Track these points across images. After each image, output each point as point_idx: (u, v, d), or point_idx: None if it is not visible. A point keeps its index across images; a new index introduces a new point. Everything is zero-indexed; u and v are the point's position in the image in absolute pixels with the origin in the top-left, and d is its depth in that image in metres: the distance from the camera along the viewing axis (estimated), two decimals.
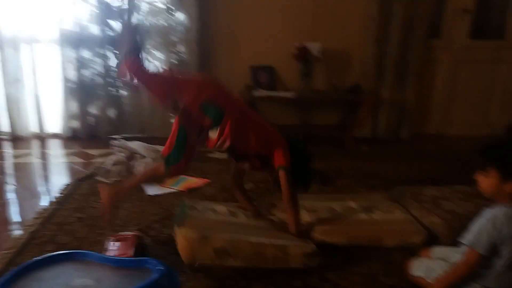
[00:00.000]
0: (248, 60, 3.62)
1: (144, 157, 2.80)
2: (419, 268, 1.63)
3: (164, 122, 3.69)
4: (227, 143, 1.79)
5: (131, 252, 1.63)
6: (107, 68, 3.56)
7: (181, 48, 3.51)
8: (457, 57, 3.80)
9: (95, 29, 3.47)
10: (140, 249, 1.72)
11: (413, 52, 3.54)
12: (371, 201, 2.23)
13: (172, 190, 2.55)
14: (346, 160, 3.20)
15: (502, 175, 1.40)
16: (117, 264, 1.31)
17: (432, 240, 1.92)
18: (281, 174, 1.79)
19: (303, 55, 3.33)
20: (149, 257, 1.36)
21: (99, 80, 3.58)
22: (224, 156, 3.13)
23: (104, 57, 3.53)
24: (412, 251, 1.82)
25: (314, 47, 3.34)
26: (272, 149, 1.84)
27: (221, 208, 2.03)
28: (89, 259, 1.34)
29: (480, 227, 1.42)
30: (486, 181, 1.45)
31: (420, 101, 3.80)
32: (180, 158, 1.82)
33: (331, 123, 3.79)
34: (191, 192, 2.54)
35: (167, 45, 3.50)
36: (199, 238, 1.60)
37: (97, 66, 3.55)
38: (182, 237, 1.60)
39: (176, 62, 3.54)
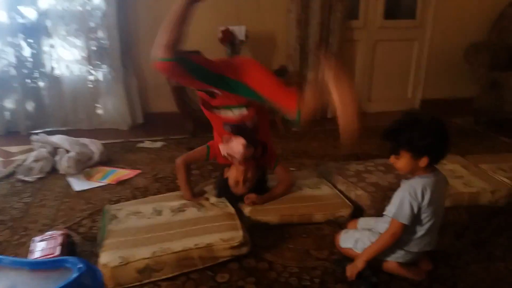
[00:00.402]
0: None
1: (68, 151, 2.66)
2: (347, 240, 1.72)
3: (88, 114, 3.52)
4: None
5: (57, 251, 1.57)
6: (21, 58, 3.29)
7: (101, 34, 3.33)
8: (373, 37, 3.99)
9: (4, 16, 3.18)
10: (68, 248, 1.66)
11: (333, 34, 3.65)
12: (300, 179, 2.31)
13: (100, 184, 2.46)
14: (276, 141, 3.27)
15: (413, 154, 1.50)
16: (33, 266, 1.22)
17: (358, 212, 2.05)
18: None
19: (228, 38, 3.31)
20: (70, 256, 1.30)
21: (13, 71, 3.31)
22: (155, 145, 3.10)
23: (17, 47, 3.26)
24: (341, 224, 1.94)
25: (240, 30, 3.33)
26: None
27: (145, 207, 1.99)
28: (1, 265, 1.23)
29: (402, 199, 1.53)
30: (400, 162, 1.55)
31: None
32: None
33: None
34: (121, 184, 2.47)
35: (85, 32, 3.30)
36: (118, 264, 1.55)
37: (10, 56, 3.27)
38: (102, 267, 1.54)
39: (96, 49, 3.36)
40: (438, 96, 4.31)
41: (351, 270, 1.59)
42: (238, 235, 1.73)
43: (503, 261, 1.74)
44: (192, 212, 1.94)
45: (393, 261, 1.63)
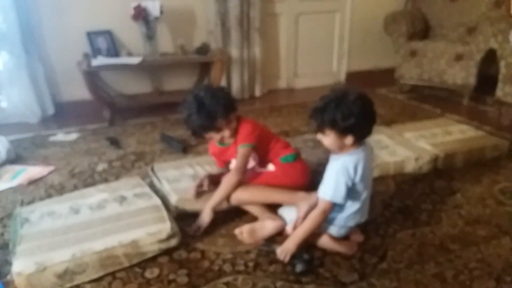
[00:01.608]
0: (83, 25, 3.24)
1: None
2: (284, 215, 1.75)
3: None
4: None
5: None
6: None
7: None
8: (295, 10, 3.95)
9: None
10: None
11: (254, 8, 3.56)
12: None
13: (10, 185, 2.23)
14: None
15: (338, 132, 1.48)
16: None
17: None
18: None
19: (141, 15, 3.09)
20: None
21: None
22: (69, 137, 2.87)
23: None
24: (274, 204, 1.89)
25: (153, 6, 3.12)
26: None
27: (61, 207, 1.83)
28: None
29: (336, 181, 1.53)
30: (326, 140, 1.54)
31: (268, 57, 3.90)
32: None
33: (185, 87, 3.68)
34: (34, 183, 2.26)
35: None
36: (35, 270, 1.43)
37: None
38: (17, 275, 1.42)
39: None
40: (363, 68, 4.42)
41: (284, 254, 1.56)
42: (165, 227, 1.65)
43: (427, 226, 1.82)
44: (113, 208, 1.81)
45: (326, 236, 1.64)
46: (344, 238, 1.68)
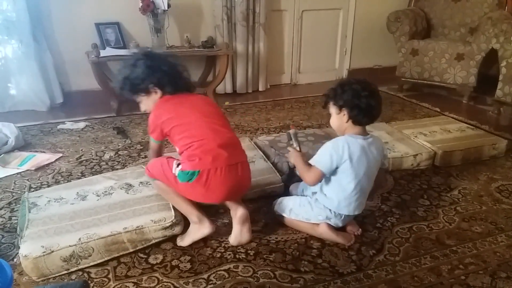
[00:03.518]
0: (92, 16, 3.28)
1: None
2: (282, 208, 1.79)
3: (0, 96, 3.21)
4: None
5: None
6: None
7: (6, 6, 2.99)
8: (300, 7, 3.98)
9: None
10: None
11: (260, 3, 3.59)
12: None
13: (19, 170, 2.28)
14: None
15: (336, 106, 1.61)
16: None
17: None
18: None
19: (149, 8, 3.13)
20: None
21: None
22: (77, 126, 2.91)
23: None
24: (274, 197, 1.93)
25: (162, 0, 3.16)
26: None
27: (68, 193, 1.87)
28: None
29: (324, 150, 1.62)
30: (331, 119, 1.67)
31: (272, 53, 3.94)
32: None
33: (191, 80, 3.71)
34: (42, 170, 2.30)
35: None
36: (41, 254, 1.46)
37: None
38: (24, 258, 1.45)
39: (1, 22, 3.02)
40: (364, 65, 4.46)
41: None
42: (169, 215, 1.68)
43: (424, 220, 1.86)
44: (119, 195, 1.85)
45: (324, 224, 1.69)
46: (341, 229, 1.73)
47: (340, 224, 1.71)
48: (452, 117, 3.11)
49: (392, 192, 2.10)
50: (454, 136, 2.57)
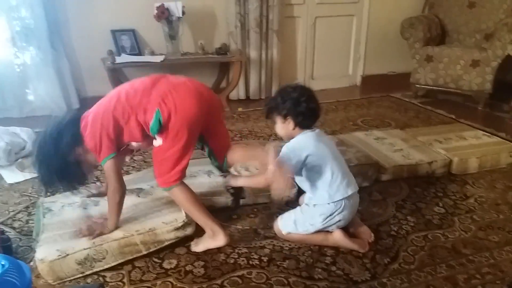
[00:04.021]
0: (108, 24, 3.33)
1: None
2: (287, 224, 1.75)
3: (17, 101, 3.27)
4: None
5: None
6: None
7: (25, 13, 3.05)
8: (313, 13, 3.98)
9: None
10: (1, 244, 1.56)
11: (273, 10, 3.61)
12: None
13: (35, 175, 2.29)
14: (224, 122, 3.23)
15: (281, 116, 1.69)
16: None
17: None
18: None
19: (164, 15, 3.17)
20: (5, 253, 1.23)
21: None
22: None
23: None
24: (288, 203, 1.94)
25: (176, 7, 3.20)
26: None
27: (82, 197, 1.89)
28: None
29: (287, 149, 1.68)
30: (276, 127, 1.76)
31: (285, 59, 3.94)
32: None
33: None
34: None
35: (6, 10, 3.01)
36: (57, 257, 1.49)
37: None
38: (40, 262, 1.47)
39: (20, 29, 3.08)
40: (378, 72, 4.44)
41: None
42: (180, 215, 1.70)
43: (440, 229, 1.84)
44: (130, 199, 1.85)
45: (339, 231, 1.68)
46: (355, 237, 1.72)
47: (347, 216, 1.68)
48: (468, 124, 3.08)
49: (407, 199, 2.08)
50: (470, 144, 2.54)
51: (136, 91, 1.57)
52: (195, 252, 1.66)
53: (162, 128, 1.54)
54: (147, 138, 1.62)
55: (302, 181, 1.74)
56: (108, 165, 1.55)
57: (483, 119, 3.35)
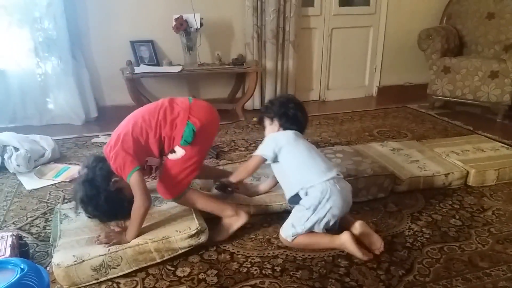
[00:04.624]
0: (127, 35, 3.41)
1: (17, 149, 2.52)
2: (287, 230, 1.75)
3: (38, 109, 3.35)
4: None
5: (7, 253, 1.50)
6: None
7: (47, 25, 3.15)
8: (330, 24, 4.01)
9: None
10: (19, 249, 1.59)
11: (290, 21, 3.64)
12: (261, 168, 2.29)
13: (54, 182, 2.36)
14: (238, 132, 3.26)
15: (268, 118, 1.90)
16: None
17: None
18: None
19: (182, 26, 3.23)
20: (22, 257, 1.27)
21: None
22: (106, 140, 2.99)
23: None
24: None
25: (194, 19, 3.26)
26: None
27: None
28: None
29: (266, 142, 1.83)
30: (266, 130, 1.93)
31: (301, 70, 3.96)
32: None
33: (221, 96, 3.80)
34: (74, 181, 2.36)
35: (30, 22, 3.12)
36: (73, 263, 1.51)
37: None
38: (56, 267, 1.50)
39: (42, 40, 3.18)
40: (395, 82, 4.42)
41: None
42: (194, 223, 1.71)
43: (456, 241, 1.81)
44: None
45: (346, 233, 1.68)
46: (363, 245, 1.70)
47: (338, 202, 1.67)
48: (486, 136, 3.03)
49: (422, 211, 2.05)
50: (487, 155, 2.50)
51: (153, 111, 1.74)
52: (209, 258, 1.67)
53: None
54: (161, 156, 1.77)
55: (279, 174, 1.84)
56: (133, 178, 1.62)
57: (502, 130, 3.29)
